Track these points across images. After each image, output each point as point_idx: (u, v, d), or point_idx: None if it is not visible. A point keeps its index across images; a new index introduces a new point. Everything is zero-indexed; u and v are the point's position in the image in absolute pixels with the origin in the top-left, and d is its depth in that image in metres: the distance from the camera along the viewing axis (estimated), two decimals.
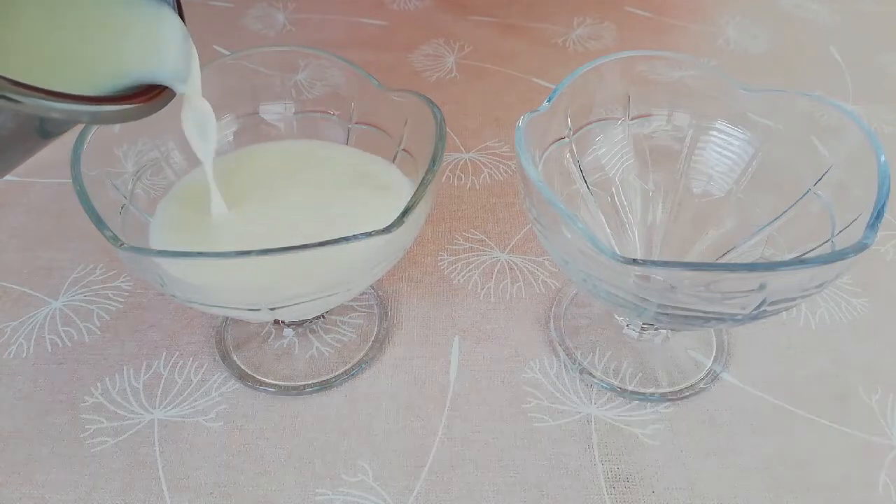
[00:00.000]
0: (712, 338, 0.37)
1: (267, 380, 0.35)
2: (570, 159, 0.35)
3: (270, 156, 0.36)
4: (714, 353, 0.37)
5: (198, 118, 0.30)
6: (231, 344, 0.37)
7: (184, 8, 0.26)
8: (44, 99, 0.18)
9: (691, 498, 0.31)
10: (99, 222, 0.26)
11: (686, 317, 0.28)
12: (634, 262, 0.24)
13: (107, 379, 0.35)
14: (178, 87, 0.26)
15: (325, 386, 0.35)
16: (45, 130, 0.22)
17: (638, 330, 0.36)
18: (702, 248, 0.35)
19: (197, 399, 0.34)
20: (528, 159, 0.29)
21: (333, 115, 0.37)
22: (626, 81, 0.35)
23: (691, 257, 0.35)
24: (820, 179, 0.32)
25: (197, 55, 0.28)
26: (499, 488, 0.31)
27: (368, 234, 0.25)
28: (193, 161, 0.35)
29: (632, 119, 0.36)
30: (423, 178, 0.28)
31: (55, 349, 0.36)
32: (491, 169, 0.48)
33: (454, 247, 0.42)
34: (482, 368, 0.36)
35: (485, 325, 0.38)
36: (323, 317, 0.38)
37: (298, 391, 0.35)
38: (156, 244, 0.31)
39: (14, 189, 0.46)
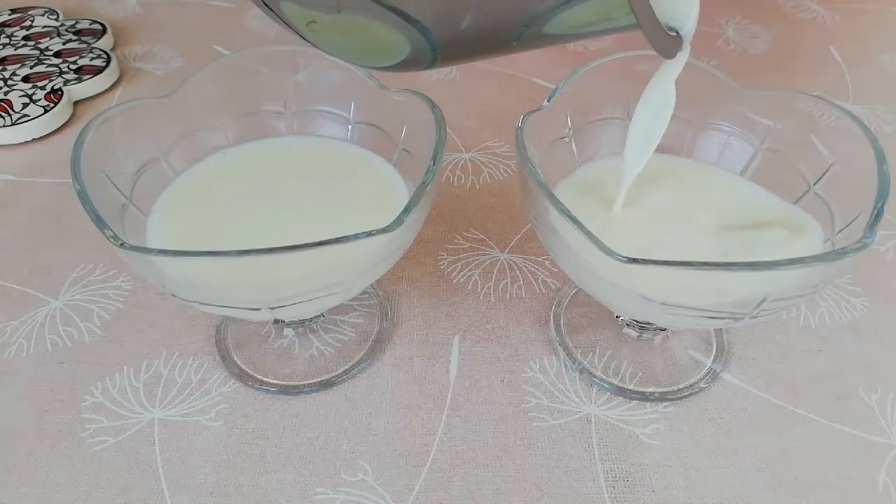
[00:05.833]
0: (712, 337, 0.37)
1: (267, 379, 0.35)
2: (570, 159, 0.35)
3: (270, 155, 0.36)
4: (714, 353, 0.37)
5: (666, 87, 0.25)
6: (231, 343, 0.37)
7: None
8: None
9: (691, 497, 0.31)
10: (99, 222, 0.26)
11: (686, 316, 0.28)
12: (635, 261, 0.24)
13: (107, 378, 0.35)
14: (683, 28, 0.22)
15: (325, 385, 0.35)
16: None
17: (638, 330, 0.36)
18: None
19: (197, 398, 0.34)
20: (527, 159, 0.29)
21: (333, 114, 0.37)
22: (626, 81, 0.35)
23: None
24: (820, 179, 0.32)
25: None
26: (499, 488, 0.31)
27: (368, 234, 0.25)
28: (192, 158, 0.35)
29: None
30: (423, 178, 0.28)
31: (55, 349, 0.36)
32: (491, 169, 0.48)
33: (454, 246, 0.42)
34: (482, 368, 0.36)
35: (485, 324, 0.38)
36: (323, 316, 0.38)
37: (298, 391, 0.35)
38: (154, 243, 0.31)
39: (14, 189, 0.46)
